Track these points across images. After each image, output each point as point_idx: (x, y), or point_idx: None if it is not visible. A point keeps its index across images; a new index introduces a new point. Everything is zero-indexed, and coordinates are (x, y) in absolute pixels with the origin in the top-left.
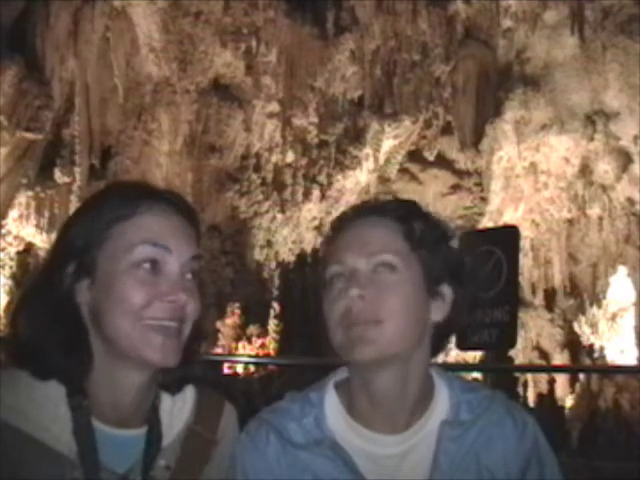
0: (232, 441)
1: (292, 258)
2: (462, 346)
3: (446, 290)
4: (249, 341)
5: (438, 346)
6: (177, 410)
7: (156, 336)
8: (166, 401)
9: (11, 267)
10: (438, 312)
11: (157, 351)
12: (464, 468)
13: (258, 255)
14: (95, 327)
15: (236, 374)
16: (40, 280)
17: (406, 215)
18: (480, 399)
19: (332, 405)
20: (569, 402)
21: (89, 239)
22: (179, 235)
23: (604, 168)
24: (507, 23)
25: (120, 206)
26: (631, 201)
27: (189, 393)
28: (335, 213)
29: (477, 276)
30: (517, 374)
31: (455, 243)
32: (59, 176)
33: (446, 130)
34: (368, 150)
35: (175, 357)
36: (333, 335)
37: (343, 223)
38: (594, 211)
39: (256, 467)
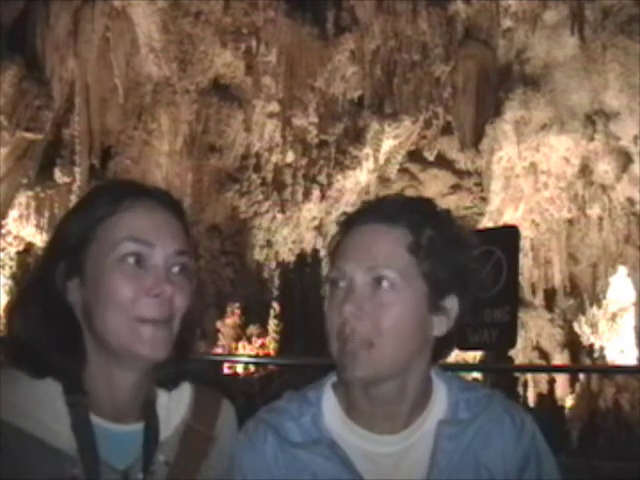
0: (230, 437)
1: (292, 258)
2: (462, 346)
3: (451, 303)
4: (249, 341)
5: (440, 354)
6: (174, 405)
7: (145, 330)
8: (162, 396)
9: (11, 267)
10: (441, 327)
11: (146, 345)
12: (462, 466)
13: (258, 255)
14: (87, 325)
15: (236, 374)
16: (34, 279)
17: (418, 222)
18: (478, 398)
19: (330, 404)
20: (569, 402)
21: (77, 239)
22: (162, 230)
23: (604, 168)
24: (507, 23)
25: (104, 205)
26: (631, 201)
27: (185, 390)
28: (335, 213)
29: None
30: (517, 374)
31: (470, 249)
32: (59, 176)
33: (446, 130)
34: (368, 150)
35: (165, 350)
36: (330, 347)
37: (352, 224)
38: (594, 211)
39: (254, 466)
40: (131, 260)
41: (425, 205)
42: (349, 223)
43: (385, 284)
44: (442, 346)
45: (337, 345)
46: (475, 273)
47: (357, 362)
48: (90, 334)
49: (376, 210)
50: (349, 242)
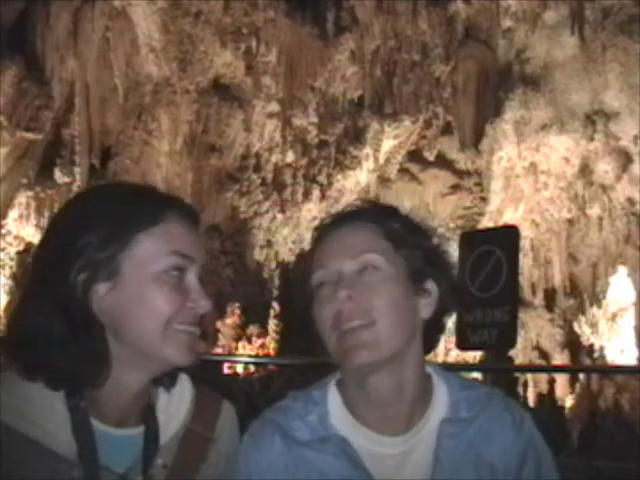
0: (230, 439)
1: (292, 258)
2: (462, 346)
3: (431, 286)
4: (249, 341)
5: (430, 343)
6: (174, 408)
7: (185, 339)
8: (162, 399)
9: (11, 267)
10: (426, 309)
11: (184, 353)
12: (465, 464)
13: (258, 255)
14: (113, 330)
15: (236, 374)
16: (44, 279)
17: (384, 216)
18: (478, 396)
19: (335, 404)
20: (569, 402)
21: (109, 243)
22: (199, 245)
23: (604, 168)
24: (507, 23)
25: (145, 213)
26: (631, 201)
27: (186, 391)
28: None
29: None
30: (517, 374)
31: (435, 240)
32: (59, 176)
33: (446, 130)
34: (368, 150)
35: (195, 356)
36: (327, 340)
37: (323, 232)
38: (594, 211)
39: (260, 467)
40: (175, 273)
41: (381, 205)
42: (321, 231)
43: (372, 267)
44: (432, 331)
45: (335, 335)
46: (445, 257)
47: (360, 342)
48: (116, 339)
49: (342, 216)
50: (327, 244)
